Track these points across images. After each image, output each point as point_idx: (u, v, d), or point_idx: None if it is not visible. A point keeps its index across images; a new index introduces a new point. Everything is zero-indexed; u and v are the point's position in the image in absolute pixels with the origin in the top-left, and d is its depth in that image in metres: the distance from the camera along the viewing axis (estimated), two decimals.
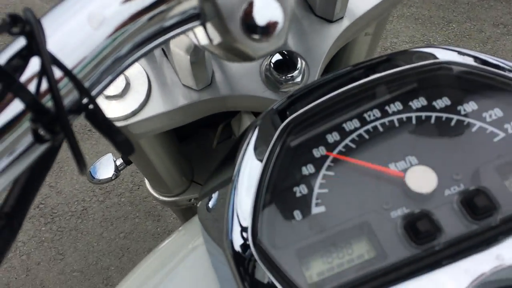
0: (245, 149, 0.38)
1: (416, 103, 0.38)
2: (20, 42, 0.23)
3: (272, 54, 0.61)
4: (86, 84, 0.25)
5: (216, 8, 0.25)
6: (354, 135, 0.37)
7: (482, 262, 0.30)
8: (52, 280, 1.81)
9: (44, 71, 0.22)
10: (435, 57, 0.39)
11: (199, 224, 0.45)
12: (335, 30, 0.62)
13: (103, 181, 0.97)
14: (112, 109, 0.58)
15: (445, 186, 0.34)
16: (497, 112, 0.36)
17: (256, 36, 0.25)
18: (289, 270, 0.32)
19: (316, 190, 0.35)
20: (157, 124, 0.61)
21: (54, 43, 0.24)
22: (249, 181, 0.36)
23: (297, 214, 0.34)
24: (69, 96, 0.25)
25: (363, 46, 0.80)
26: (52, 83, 0.22)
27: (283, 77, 0.59)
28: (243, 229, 0.34)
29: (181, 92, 0.60)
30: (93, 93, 0.27)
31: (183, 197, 0.93)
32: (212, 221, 0.41)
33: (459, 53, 0.39)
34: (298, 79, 0.59)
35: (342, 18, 0.63)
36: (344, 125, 0.38)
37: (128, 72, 0.59)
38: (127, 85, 0.58)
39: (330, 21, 0.62)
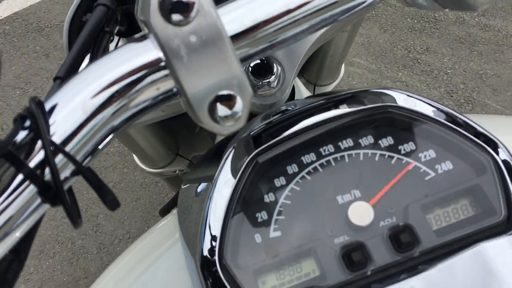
0: (220, 172, 0.44)
1: (364, 141, 0.44)
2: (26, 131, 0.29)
3: None
4: (80, 156, 0.31)
5: (187, 101, 0.30)
6: (310, 168, 0.44)
7: None
8: (44, 225, 1.90)
9: (47, 159, 0.28)
10: (385, 99, 0.45)
11: (177, 220, 0.52)
12: (312, 36, 0.67)
13: None
14: None
15: (380, 218, 0.41)
16: (431, 153, 0.43)
17: (219, 125, 0.30)
18: (247, 286, 0.40)
19: (275, 217, 0.42)
20: (141, 121, 0.67)
21: (53, 128, 0.29)
22: (220, 202, 0.43)
23: (257, 237, 0.41)
24: (67, 168, 0.30)
25: (340, 41, 0.84)
26: (53, 168, 0.28)
27: (260, 82, 0.64)
28: (212, 247, 0.41)
29: None
30: (86, 161, 0.32)
31: (169, 169, 1.00)
32: (187, 226, 0.48)
33: (407, 97, 0.45)
34: (274, 84, 0.65)
35: None
36: (302, 158, 0.44)
37: None
38: None
39: None
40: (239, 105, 0.30)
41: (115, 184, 2.01)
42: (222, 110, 0.30)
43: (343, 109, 0.45)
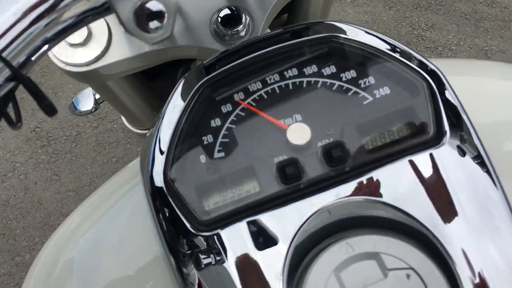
0: (171, 98, 0.47)
1: (308, 70, 0.46)
2: None
3: (220, 9, 0.67)
4: (16, 63, 0.33)
5: (112, 8, 0.32)
6: (255, 95, 0.46)
7: (325, 198, 0.40)
8: (49, 198, 1.96)
9: None
10: (329, 30, 0.47)
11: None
12: None
13: (84, 113, 1.06)
14: (76, 56, 0.65)
15: (318, 139, 0.43)
16: (370, 80, 0.45)
17: (144, 32, 0.32)
18: (190, 200, 0.42)
19: (220, 139, 0.44)
20: (118, 69, 0.69)
21: None
22: (168, 127, 0.45)
23: (202, 157, 0.44)
24: (3, 73, 0.33)
25: (317, 2, 0.85)
26: None
27: (229, 31, 0.66)
28: (158, 166, 0.43)
29: (138, 42, 0.67)
30: (26, 68, 0.35)
31: None
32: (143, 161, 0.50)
33: (351, 27, 0.47)
34: (243, 33, 0.66)
35: None
36: (249, 86, 0.46)
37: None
38: (89, 35, 0.66)
39: None
40: (163, 12, 0.33)
41: (118, 159, 2.06)
42: (147, 16, 0.32)
43: (289, 40, 0.47)
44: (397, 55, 0.45)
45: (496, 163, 0.41)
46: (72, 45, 0.66)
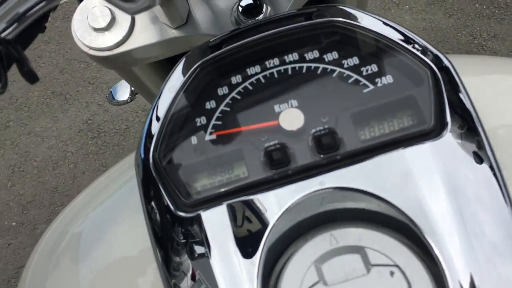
0: (170, 76, 0.47)
1: (309, 55, 0.44)
2: None
3: None
4: None
5: None
6: (253, 79, 0.44)
7: (308, 185, 0.38)
8: None
9: None
10: (333, 15, 0.44)
11: None
12: None
13: (120, 102, 1.09)
14: (99, 41, 0.67)
15: (312, 126, 0.41)
16: (373, 68, 0.42)
17: (122, 1, 0.32)
18: (176, 181, 0.41)
19: (213, 122, 0.43)
20: (141, 55, 0.70)
21: None
22: (164, 105, 0.44)
23: (193, 139, 0.43)
24: None
25: None
26: None
27: (249, 21, 0.65)
28: (148, 146, 0.43)
29: (159, 29, 0.67)
30: (6, 34, 0.35)
31: None
32: None
33: (356, 12, 0.44)
34: None
35: None
36: (247, 69, 0.45)
37: (113, 7, 0.67)
38: (113, 19, 0.67)
39: None
40: None
41: None
42: None
43: (294, 23, 0.45)
44: (403, 43, 0.42)
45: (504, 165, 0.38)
46: (95, 29, 0.67)
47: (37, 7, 0.35)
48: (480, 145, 0.38)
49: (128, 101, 1.08)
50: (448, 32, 2.45)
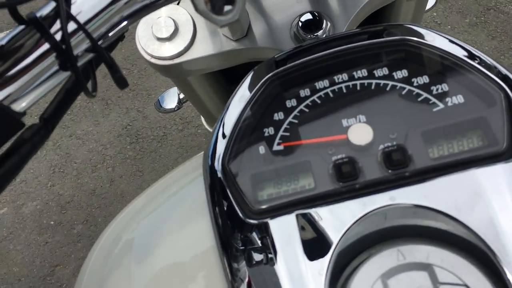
0: (239, 88, 0.48)
1: (378, 72, 0.45)
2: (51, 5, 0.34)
3: (302, 14, 0.68)
4: (96, 35, 0.36)
5: None
6: (321, 93, 0.45)
7: (378, 200, 0.38)
8: (131, 193, 2.06)
9: (61, 24, 0.33)
10: (404, 33, 0.45)
11: None
12: None
13: (168, 110, 1.11)
14: (161, 50, 0.69)
15: (380, 141, 0.41)
16: (443, 87, 0.42)
17: (214, 14, 0.34)
18: (245, 189, 0.42)
19: (281, 133, 0.44)
20: (200, 65, 0.72)
21: (76, 6, 0.35)
22: (233, 115, 0.46)
23: (261, 148, 0.44)
24: (84, 43, 0.36)
25: (407, 12, 0.83)
26: (65, 33, 0.33)
27: (308, 36, 0.66)
28: (218, 152, 0.44)
29: (220, 40, 0.69)
30: (103, 41, 0.37)
31: None
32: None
33: (427, 31, 0.45)
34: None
35: None
36: (316, 83, 0.46)
37: (177, 19, 0.70)
38: (176, 30, 0.69)
39: None
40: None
41: None
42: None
43: (363, 41, 0.46)
44: (475, 64, 0.42)
45: None
46: (159, 39, 0.69)
47: (133, 17, 0.37)
48: None
49: (176, 109, 1.10)
50: (491, 55, 2.41)
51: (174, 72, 0.73)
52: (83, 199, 2.06)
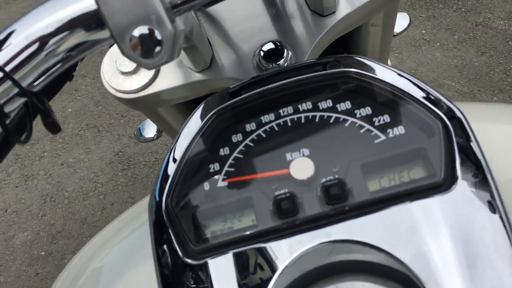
0: (187, 122, 0.48)
1: (322, 104, 0.45)
2: None
3: (264, 43, 0.69)
4: (24, 82, 0.36)
5: (110, 33, 0.34)
6: (267, 127, 0.45)
7: (315, 236, 0.38)
8: None
9: None
10: (348, 65, 0.45)
11: None
12: (325, 24, 0.68)
13: (147, 139, 1.12)
14: (125, 84, 0.69)
15: (322, 175, 0.41)
16: (385, 118, 0.42)
17: (141, 58, 0.34)
18: (187, 227, 0.42)
19: (226, 169, 0.44)
20: (166, 97, 0.72)
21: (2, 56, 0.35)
22: (179, 150, 0.46)
23: (206, 185, 0.44)
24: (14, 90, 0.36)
25: (374, 36, 0.84)
26: None
27: (270, 65, 0.67)
28: (162, 191, 0.44)
29: (184, 72, 0.70)
30: (35, 87, 0.37)
31: None
32: None
33: (371, 63, 0.45)
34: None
35: (334, 12, 0.68)
36: (262, 117, 0.46)
37: None
38: None
39: (322, 15, 0.68)
40: (158, 40, 0.34)
41: None
42: (142, 43, 0.34)
43: (310, 73, 0.46)
44: (415, 95, 0.42)
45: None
46: (123, 73, 0.70)
47: (66, 61, 0.37)
48: (492, 196, 0.37)
49: (155, 138, 1.10)
50: (480, 70, 2.42)
51: (141, 105, 0.74)
52: (74, 228, 2.05)
